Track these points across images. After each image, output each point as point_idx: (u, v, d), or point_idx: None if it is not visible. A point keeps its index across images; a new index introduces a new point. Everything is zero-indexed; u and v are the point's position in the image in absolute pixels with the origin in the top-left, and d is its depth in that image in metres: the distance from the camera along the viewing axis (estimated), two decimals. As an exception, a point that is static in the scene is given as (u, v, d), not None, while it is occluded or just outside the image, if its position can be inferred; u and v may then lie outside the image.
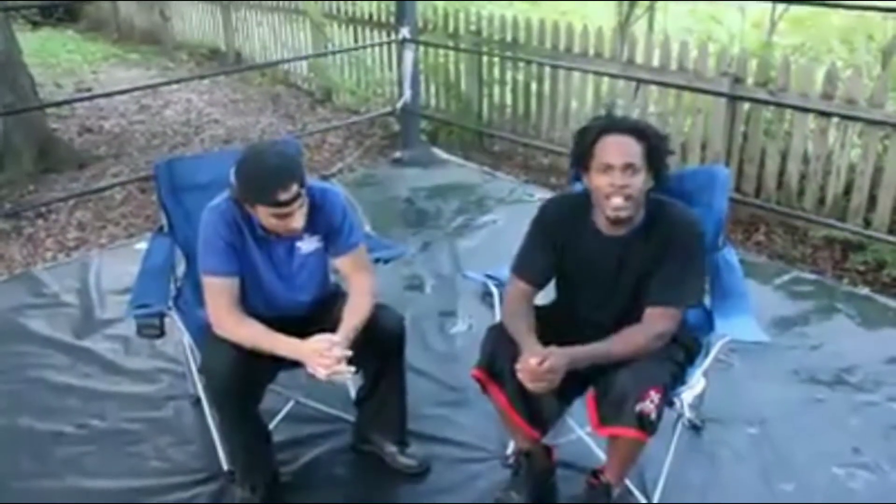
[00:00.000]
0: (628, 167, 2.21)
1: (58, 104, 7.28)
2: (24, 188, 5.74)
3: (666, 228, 2.30)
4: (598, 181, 2.24)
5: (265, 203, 2.28)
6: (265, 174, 2.27)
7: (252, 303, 2.48)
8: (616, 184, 2.20)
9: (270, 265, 2.49)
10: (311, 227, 2.48)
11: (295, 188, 2.27)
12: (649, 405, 2.11)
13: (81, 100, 7.57)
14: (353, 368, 2.32)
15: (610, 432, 2.23)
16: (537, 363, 2.13)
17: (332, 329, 2.38)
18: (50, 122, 6.70)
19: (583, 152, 2.29)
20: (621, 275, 2.33)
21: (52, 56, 9.56)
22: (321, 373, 2.26)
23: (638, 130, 2.26)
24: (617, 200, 2.21)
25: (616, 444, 2.31)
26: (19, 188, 5.72)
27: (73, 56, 9.82)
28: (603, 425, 2.21)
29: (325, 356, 2.26)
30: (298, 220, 2.35)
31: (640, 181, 2.22)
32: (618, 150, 2.22)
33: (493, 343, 2.35)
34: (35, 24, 10.79)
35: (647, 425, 2.13)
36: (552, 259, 2.41)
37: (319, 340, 2.30)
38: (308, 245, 2.51)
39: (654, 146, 2.26)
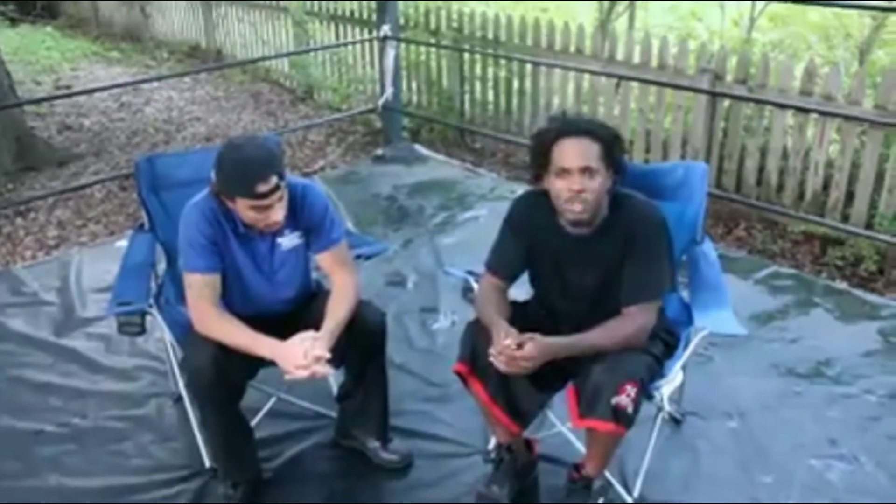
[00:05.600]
0: (585, 170, 2.21)
1: (36, 101, 7.23)
2: (2, 186, 5.69)
3: (627, 225, 2.30)
4: (556, 185, 2.25)
5: (244, 195, 2.28)
6: (244, 166, 2.27)
7: (233, 300, 2.48)
8: (573, 188, 2.21)
9: (252, 261, 2.49)
10: (292, 222, 2.48)
11: (274, 180, 2.27)
12: (625, 399, 2.13)
13: (61, 97, 7.51)
14: (331, 370, 2.34)
15: (587, 425, 2.24)
16: (514, 344, 2.14)
17: (315, 327, 2.38)
18: (29, 119, 6.64)
19: (540, 156, 2.30)
20: (587, 272, 2.33)
21: (31, 53, 9.47)
22: (298, 374, 2.26)
23: (593, 131, 2.26)
24: (577, 206, 2.22)
25: (594, 437, 2.33)
26: (-2, 186, 5.69)
27: (52, 53, 9.73)
28: (581, 418, 2.23)
29: (301, 364, 2.26)
30: (278, 214, 2.34)
31: (597, 184, 2.22)
32: (575, 153, 2.22)
33: (473, 338, 2.36)
34: (13, 21, 10.69)
35: (622, 419, 2.14)
36: (522, 254, 2.42)
37: (303, 339, 2.30)
38: (289, 241, 2.51)
39: (610, 145, 2.27)
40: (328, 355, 2.30)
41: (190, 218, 2.41)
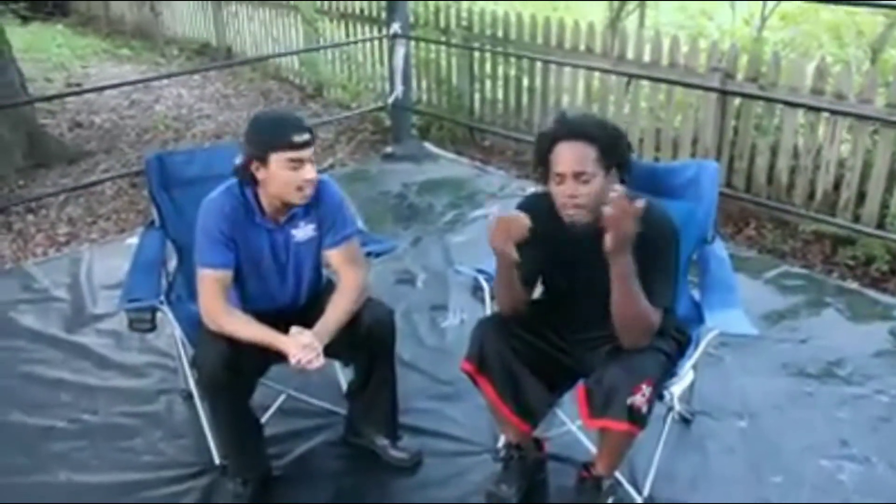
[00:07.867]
0: (578, 176, 2.20)
1: (48, 99, 7.25)
2: (13, 183, 5.71)
3: None
4: (554, 189, 2.27)
5: (282, 147, 2.30)
6: (280, 119, 2.38)
7: (248, 294, 2.50)
8: (567, 193, 2.21)
9: (269, 252, 2.50)
10: (308, 214, 2.51)
11: (307, 135, 2.33)
12: (640, 399, 2.12)
13: (71, 94, 7.52)
14: (322, 362, 2.35)
15: (600, 425, 2.23)
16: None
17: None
18: (40, 117, 6.66)
19: (541, 160, 2.30)
20: (597, 271, 2.26)
21: (42, 51, 9.49)
22: (303, 357, 2.28)
23: (588, 134, 2.23)
24: (570, 211, 2.23)
25: (606, 436, 2.32)
26: (9, 183, 5.70)
27: (63, 51, 9.75)
28: (593, 418, 2.22)
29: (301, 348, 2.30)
30: (312, 171, 2.36)
31: (592, 188, 2.20)
32: (569, 158, 2.21)
33: (482, 336, 2.36)
34: (24, 19, 10.71)
35: (637, 419, 2.14)
36: (536, 259, 2.35)
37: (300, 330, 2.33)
38: (303, 233, 2.53)
39: (608, 145, 2.23)
40: (320, 350, 2.32)
41: (208, 213, 2.43)
